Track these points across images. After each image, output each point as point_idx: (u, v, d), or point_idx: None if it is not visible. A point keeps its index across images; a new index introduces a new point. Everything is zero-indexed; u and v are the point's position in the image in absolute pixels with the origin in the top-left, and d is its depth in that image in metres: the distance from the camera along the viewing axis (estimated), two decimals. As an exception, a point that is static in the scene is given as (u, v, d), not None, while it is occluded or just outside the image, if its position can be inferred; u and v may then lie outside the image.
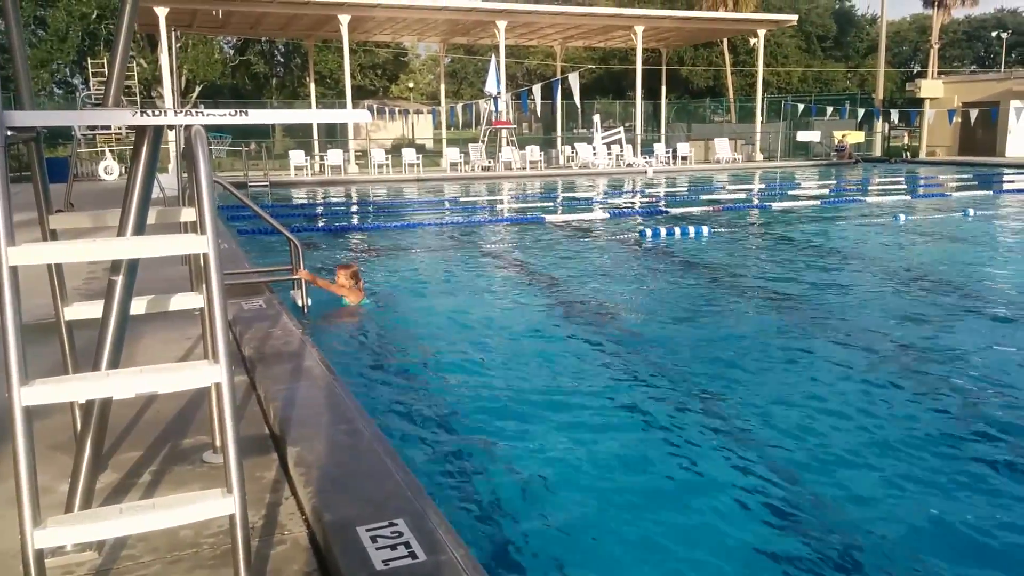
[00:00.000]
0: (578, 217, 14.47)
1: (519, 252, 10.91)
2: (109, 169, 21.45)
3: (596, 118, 30.34)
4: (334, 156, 26.20)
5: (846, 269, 9.46)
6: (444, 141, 31.51)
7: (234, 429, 2.13)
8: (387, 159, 26.56)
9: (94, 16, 33.15)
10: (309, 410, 3.60)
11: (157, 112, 2.25)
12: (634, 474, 3.95)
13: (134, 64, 30.56)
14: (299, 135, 30.74)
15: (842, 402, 4.88)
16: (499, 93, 27.11)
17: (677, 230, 12.02)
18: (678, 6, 42.64)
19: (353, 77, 29.48)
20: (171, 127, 2.41)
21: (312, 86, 33.61)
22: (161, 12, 22.75)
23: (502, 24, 27.27)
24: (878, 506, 3.61)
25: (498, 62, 27.27)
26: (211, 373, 2.12)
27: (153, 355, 4.55)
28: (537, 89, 28.32)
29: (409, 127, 45.35)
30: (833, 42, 53.23)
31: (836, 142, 31.96)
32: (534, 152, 27.95)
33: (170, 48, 21.63)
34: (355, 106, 32.34)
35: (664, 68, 35.75)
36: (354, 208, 18.91)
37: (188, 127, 2.27)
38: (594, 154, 28.34)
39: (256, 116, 2.34)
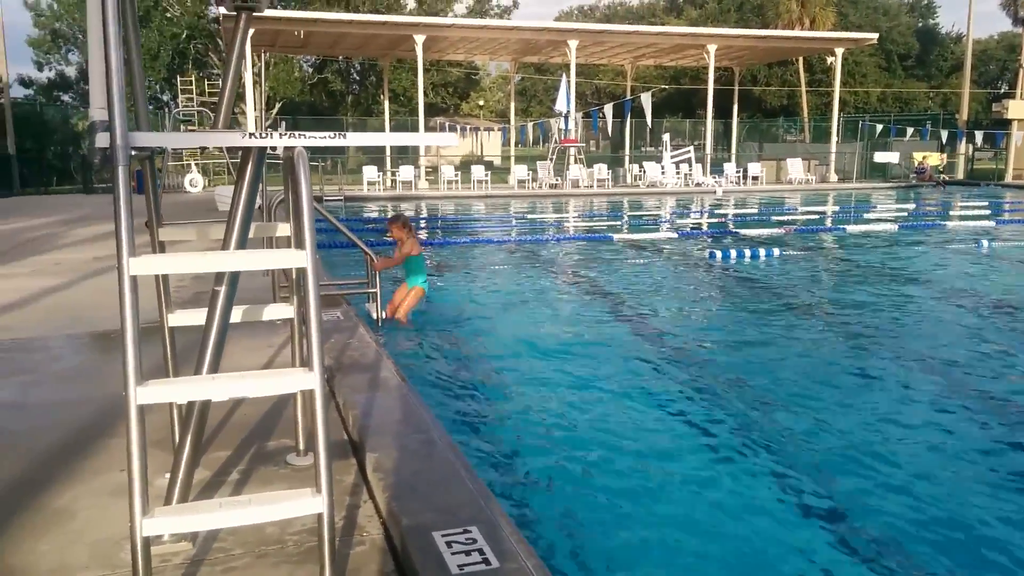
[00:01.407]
0: (646, 236, 14.45)
1: (586, 269, 10.97)
2: (194, 182, 22.36)
3: (665, 137, 30.24)
4: (405, 172, 26.75)
5: (923, 295, 9.23)
6: (512, 158, 31.83)
7: (325, 433, 2.27)
8: (456, 175, 26.98)
9: (184, 36, 34.66)
10: (386, 418, 3.74)
11: (264, 135, 2.41)
12: (699, 494, 3.97)
13: (219, 81, 31.79)
14: (372, 151, 31.46)
15: (909, 431, 4.81)
16: (569, 111, 27.27)
17: (747, 251, 11.91)
18: (752, 24, 42.26)
19: (425, 95, 30.06)
20: (274, 148, 2.58)
21: (386, 103, 34.41)
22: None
23: (573, 43, 27.47)
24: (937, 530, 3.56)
25: (568, 81, 27.45)
26: (307, 380, 2.26)
27: (238, 362, 4.77)
28: (608, 108, 28.37)
29: (478, 144, 45.94)
30: (915, 60, 51.86)
31: (916, 164, 31.07)
32: (602, 170, 28.00)
33: (255, 67, 22.43)
34: (427, 123, 32.98)
35: (736, 87, 35.40)
36: (424, 223, 19.27)
37: (290, 148, 2.43)
38: (662, 173, 28.22)
39: (355, 139, 2.49)
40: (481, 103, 57.33)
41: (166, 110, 36.30)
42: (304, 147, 2.36)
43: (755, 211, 21.12)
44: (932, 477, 4.15)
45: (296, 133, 2.40)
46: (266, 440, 3.60)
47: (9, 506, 2.93)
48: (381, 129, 34.80)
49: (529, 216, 20.07)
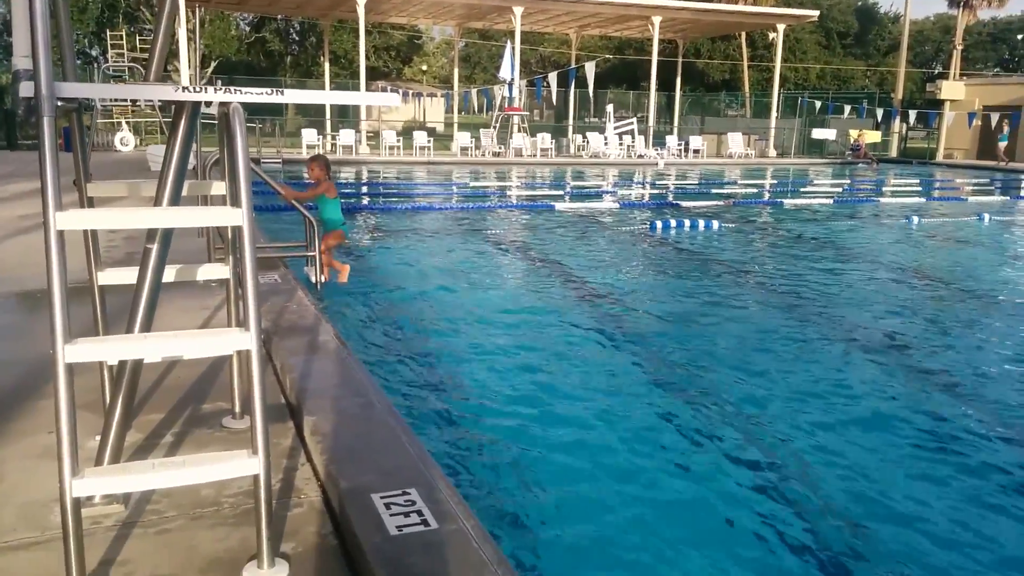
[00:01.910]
0: (587, 206, 14.54)
1: (527, 238, 11.00)
2: (125, 140, 21.59)
3: (609, 108, 30.36)
4: (346, 136, 26.28)
5: (854, 267, 9.53)
6: (455, 125, 31.55)
7: (261, 395, 2.24)
8: (398, 141, 26.62)
9: (114, -13, 33.20)
10: (324, 382, 3.71)
11: (198, 89, 2.34)
12: (634, 455, 4.06)
13: (151, 37, 30.62)
14: (311, 114, 30.81)
15: (834, 393, 5.00)
16: (513, 79, 27.11)
17: (687, 223, 12.09)
18: (697, -2, 42.46)
19: (367, 58, 29.49)
20: (209, 104, 2.50)
21: (327, 66, 33.64)
22: (180, -14, 22.78)
23: (519, 10, 27.23)
24: (875, 504, 3.72)
25: (513, 48, 27.25)
26: (242, 340, 2.23)
27: (171, 323, 4.66)
28: (553, 77, 28.30)
29: (421, 110, 45.36)
30: (854, 39, 52.92)
31: (852, 141, 31.85)
32: (545, 140, 27.99)
33: (189, 23, 21.68)
34: (369, 87, 32.40)
35: (680, 60, 35.64)
36: (364, 189, 19.00)
37: (226, 104, 2.37)
38: (605, 144, 28.35)
39: (293, 96, 2.44)
40: (424, 68, 56.54)
41: (95, 65, 34.84)
42: (240, 103, 2.30)
43: (696, 184, 21.42)
44: (860, 441, 4.32)
45: (232, 89, 2.33)
46: (201, 403, 3.54)
47: (-71, 469, 2.83)
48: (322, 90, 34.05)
49: (472, 184, 19.97)
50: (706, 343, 6.18)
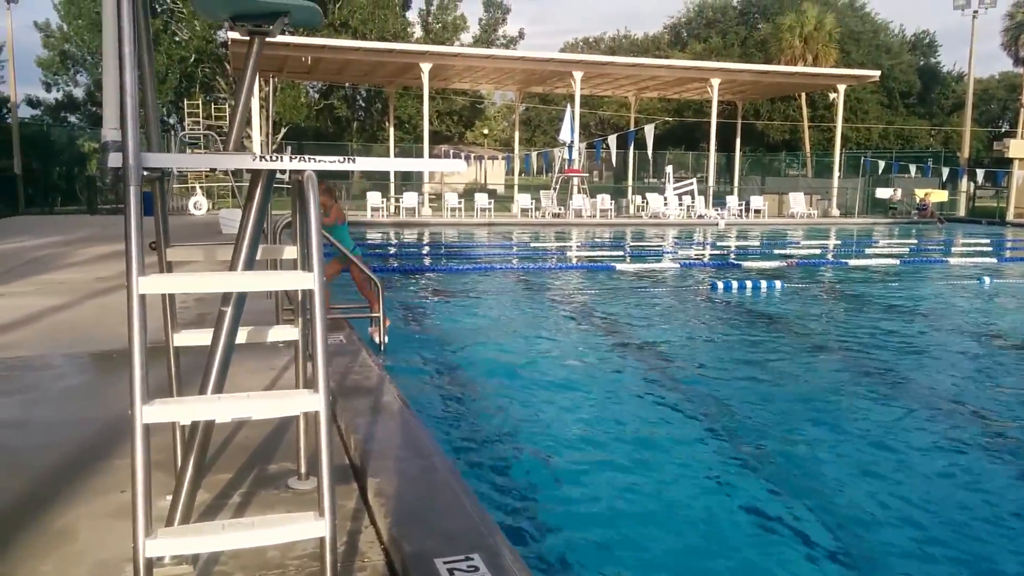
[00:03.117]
0: (648, 266, 14.48)
1: (589, 299, 10.98)
2: (198, 204, 22.47)
3: (668, 169, 30.42)
4: (409, 199, 26.88)
5: (923, 329, 9.23)
6: (516, 187, 32.00)
7: (328, 457, 2.26)
8: (460, 203, 27.11)
9: (192, 59, 35.01)
10: (387, 443, 3.72)
11: (274, 158, 2.43)
12: (692, 518, 3.95)
13: (225, 105, 32.10)
14: (376, 177, 31.64)
15: (904, 459, 4.79)
16: (573, 141, 27.47)
17: (749, 283, 11.93)
18: (756, 59, 42.68)
19: (430, 123, 30.29)
20: (283, 171, 2.60)
21: (391, 130, 34.65)
22: (254, 57, 23.87)
23: (578, 74, 27.74)
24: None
25: (573, 111, 27.68)
26: (311, 402, 2.26)
27: (240, 384, 4.76)
28: (612, 139, 28.61)
29: (482, 172, 46.22)
30: (917, 98, 52.29)
31: (918, 200, 31.18)
32: (605, 201, 28.14)
33: (262, 92, 22.64)
34: (431, 151, 33.21)
35: (739, 121, 35.67)
36: (427, 250, 19.32)
37: (299, 172, 2.46)
38: (665, 204, 28.35)
39: (363, 164, 2.51)
40: (485, 132, 57.76)
41: (172, 133, 36.60)
42: (313, 171, 2.39)
43: (757, 244, 21.18)
44: (929, 505, 4.12)
45: (305, 157, 2.42)
46: (267, 463, 3.58)
47: (11, 525, 2.92)
48: (386, 155, 35.04)
49: (532, 245, 20.12)
50: (772, 406, 6.02)
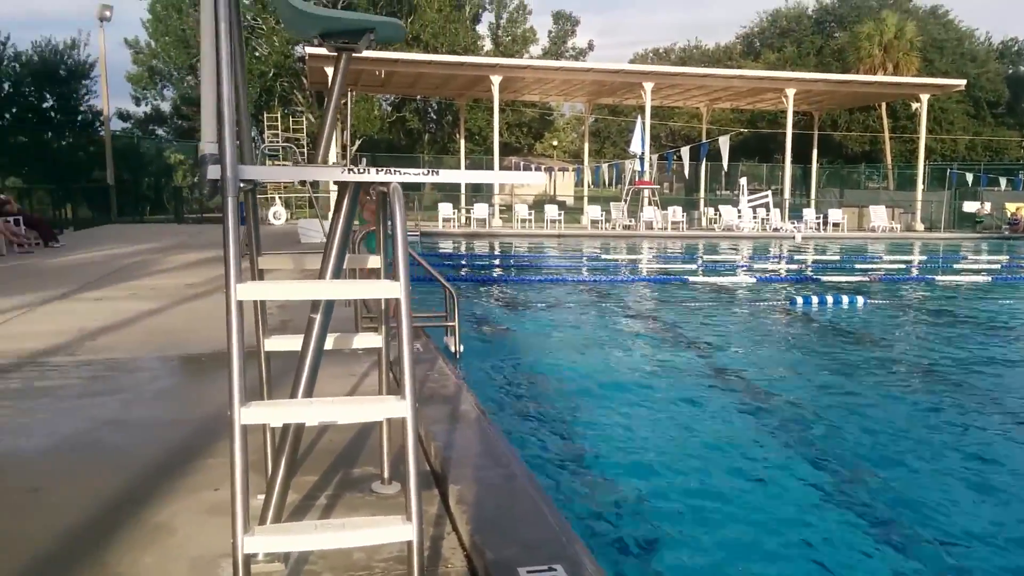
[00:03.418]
0: (722, 280, 14.27)
1: (661, 311, 10.88)
2: (278, 214, 23.15)
3: (743, 181, 29.93)
4: (480, 210, 27.13)
5: (1017, 347, 8.85)
6: (585, 199, 31.95)
7: (415, 462, 2.31)
8: (530, 214, 27.23)
9: (271, 74, 36.12)
10: (467, 451, 3.77)
11: (362, 170, 2.51)
12: (776, 541, 3.88)
13: (302, 118, 33.00)
14: (447, 188, 32.07)
15: (999, 484, 4.60)
16: (643, 153, 27.31)
17: (829, 298, 11.63)
18: (833, 68, 41.68)
19: (500, 134, 30.54)
20: (370, 183, 2.67)
21: (462, 142, 35.06)
22: (331, 71, 24.47)
23: (648, 85, 27.57)
24: None
25: (643, 123, 27.52)
26: (399, 408, 2.31)
27: (321, 389, 4.86)
28: (685, 151, 28.34)
29: (552, 184, 46.32)
30: (1006, 108, 50.11)
31: (1010, 215, 29.86)
32: (676, 213, 27.86)
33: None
34: (501, 162, 33.44)
35: (816, 132, 34.87)
36: (497, 260, 19.45)
37: (385, 183, 2.53)
38: (739, 217, 27.89)
39: (446, 176, 2.58)
40: (555, 143, 57.89)
41: (252, 145, 37.73)
42: (398, 183, 2.45)
43: (837, 258, 20.64)
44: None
45: (392, 169, 2.50)
46: (351, 467, 3.67)
47: (114, 519, 3.06)
48: (456, 167, 35.47)
49: (603, 257, 20.06)
50: (853, 425, 5.86)
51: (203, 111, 2.64)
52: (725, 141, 27.89)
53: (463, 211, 27.43)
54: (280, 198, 24.74)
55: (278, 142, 27.99)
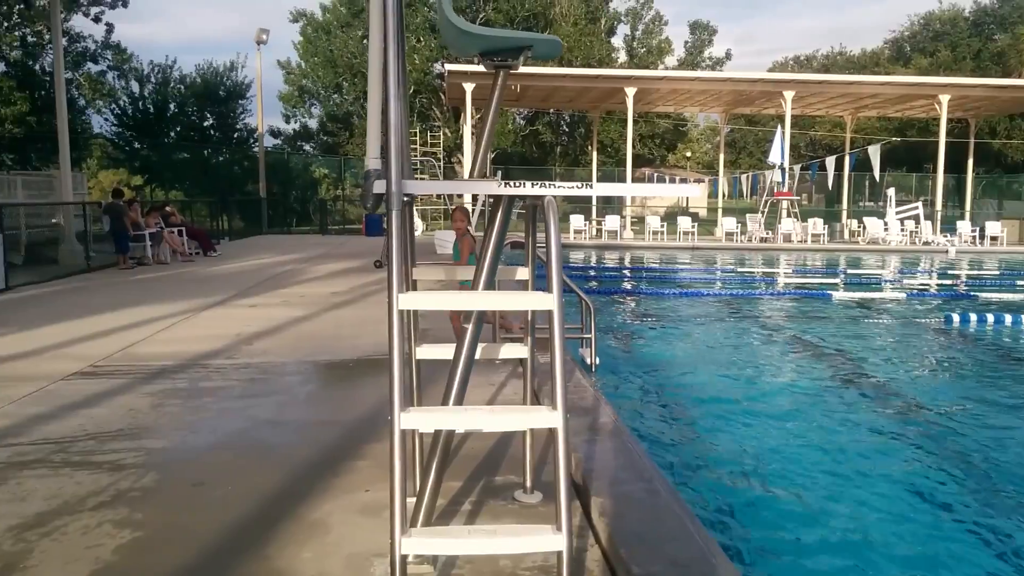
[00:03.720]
0: (869, 295, 13.55)
1: (803, 327, 10.45)
2: (414, 226, 23.93)
3: (890, 191, 28.35)
4: (611, 221, 27.01)
5: None
6: (720, 210, 31.17)
7: (566, 473, 2.32)
8: (662, 226, 26.86)
9: (411, 91, 37.43)
10: (608, 463, 3.75)
11: (517, 184, 2.56)
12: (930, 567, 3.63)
13: (440, 133, 34.00)
14: (578, 200, 32.08)
15: None
16: (783, 164, 26.39)
17: (990, 316, 10.81)
18: (992, 73, 38.90)
19: (633, 146, 30.30)
20: (523, 197, 2.72)
21: (594, 154, 35.03)
22: (468, 87, 25.16)
23: (789, 94, 26.63)
24: None
25: (783, 132, 26.60)
26: (550, 418, 2.34)
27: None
28: (830, 161, 27.20)
29: (684, 195, 45.47)
30: None
31: None
32: (817, 225, 26.71)
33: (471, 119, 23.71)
34: (633, 174, 33.17)
35: (972, 140, 32.58)
36: (628, 272, 19.27)
37: (540, 197, 2.57)
38: (885, 229, 26.42)
39: (602, 189, 2.58)
40: (688, 154, 56.87)
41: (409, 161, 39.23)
42: (552, 196, 2.49)
43: (996, 273, 19.19)
44: None
45: (545, 183, 2.54)
46: (493, 474, 3.73)
47: (273, 514, 3.25)
48: (587, 179, 35.47)
49: (739, 270, 19.50)
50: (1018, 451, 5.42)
51: (369, 129, 2.77)
52: (876, 151, 26.53)
53: (594, 223, 27.38)
54: (417, 210, 25.53)
55: (416, 156, 28.93)
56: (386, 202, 2.49)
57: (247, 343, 6.84)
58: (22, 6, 26.01)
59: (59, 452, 3.99)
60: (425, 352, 3.26)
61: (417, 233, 23.69)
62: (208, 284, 11.28)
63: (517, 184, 2.61)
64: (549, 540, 2.28)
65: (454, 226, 6.55)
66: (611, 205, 29.82)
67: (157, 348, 6.60)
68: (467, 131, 27.89)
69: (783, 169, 26.40)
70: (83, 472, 3.70)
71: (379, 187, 2.56)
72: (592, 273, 18.35)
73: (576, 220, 26.76)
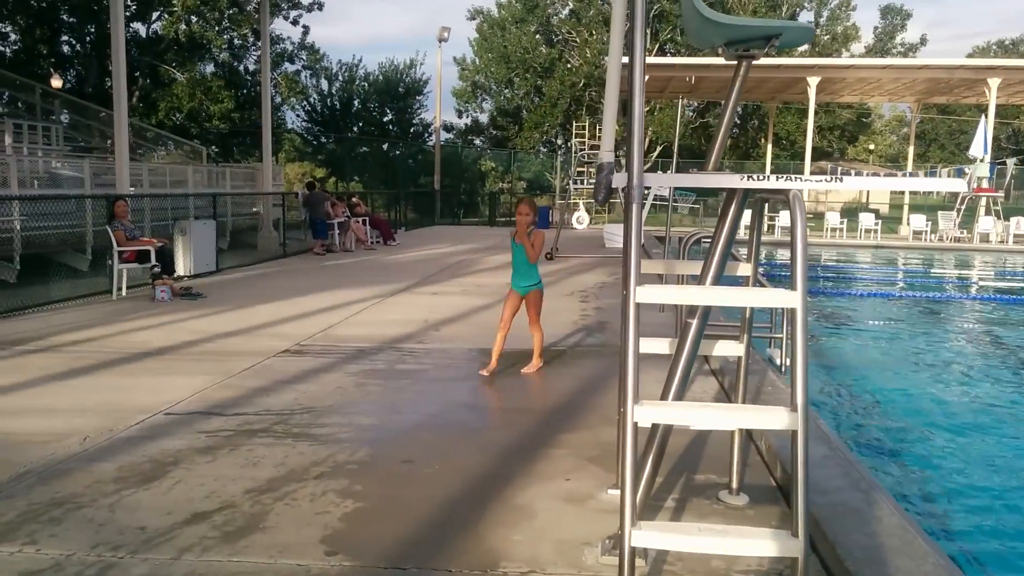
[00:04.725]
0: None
1: (1009, 335, 9.55)
2: (580, 219, 23.96)
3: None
4: (784, 217, 25.86)
5: None
6: (906, 207, 29.06)
7: (804, 477, 2.22)
8: (841, 223, 25.41)
9: (581, 84, 37.51)
10: (815, 468, 3.55)
11: (760, 177, 2.46)
12: None
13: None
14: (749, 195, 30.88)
15: None
16: (985, 157, 24.21)
17: None
18: None
19: (811, 139, 28.82)
20: (766, 191, 2.61)
21: (768, 147, 33.67)
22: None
23: (995, 82, 24.37)
24: None
25: (987, 123, 24.39)
26: (789, 420, 2.25)
27: (647, 392, 4.94)
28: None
29: (865, 191, 42.76)
30: None
31: None
32: (1021, 224, 24.32)
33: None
34: (811, 169, 31.57)
35: None
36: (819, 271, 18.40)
37: (783, 191, 2.46)
38: (1106, 230, 23.68)
39: (853, 183, 2.45)
40: (871, 147, 53.40)
41: (556, 153, 39.60)
42: (798, 190, 2.37)
43: None
44: None
45: (792, 176, 2.42)
46: (693, 472, 3.65)
47: (480, 495, 3.34)
48: (760, 172, 34.10)
49: (931, 271, 18.13)
50: None
51: (604, 123, 2.77)
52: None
53: (767, 218, 26.34)
54: (584, 203, 25.55)
55: (585, 149, 28.94)
56: (626, 195, 2.48)
57: (435, 329, 7.10)
58: (234, 10, 28.26)
59: (280, 423, 4.30)
60: (646, 346, 3.23)
61: (583, 226, 23.73)
62: (391, 271, 11.82)
63: (760, 177, 2.52)
64: (784, 545, 2.19)
65: (519, 219, 5.61)
66: (783, 201, 28.54)
67: (354, 330, 6.98)
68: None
69: (991, 163, 24.21)
70: (303, 443, 3.97)
71: (619, 180, 2.55)
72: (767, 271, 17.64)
73: (745, 216, 25.85)
